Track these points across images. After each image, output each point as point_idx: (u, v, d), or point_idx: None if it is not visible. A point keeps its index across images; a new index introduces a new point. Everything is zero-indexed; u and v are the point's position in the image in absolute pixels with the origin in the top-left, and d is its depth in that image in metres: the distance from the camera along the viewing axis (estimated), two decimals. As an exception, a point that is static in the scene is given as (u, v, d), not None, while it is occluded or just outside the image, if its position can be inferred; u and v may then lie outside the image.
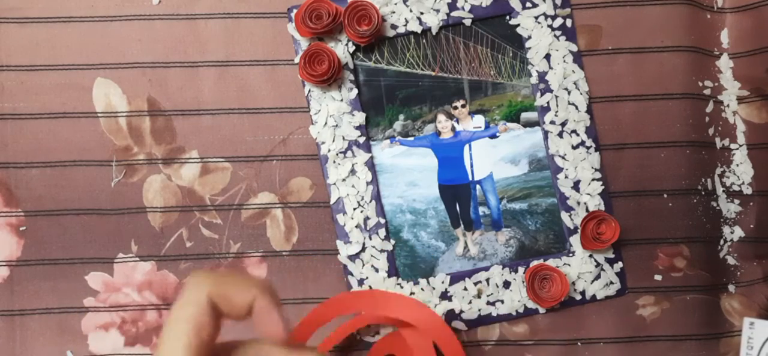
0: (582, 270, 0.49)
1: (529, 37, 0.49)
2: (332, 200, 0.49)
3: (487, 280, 0.49)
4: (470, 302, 0.48)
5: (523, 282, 0.49)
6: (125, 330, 0.49)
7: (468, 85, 0.50)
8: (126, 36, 0.49)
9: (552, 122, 0.49)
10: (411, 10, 0.49)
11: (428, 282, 0.49)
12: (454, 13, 0.49)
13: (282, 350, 0.30)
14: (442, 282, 0.49)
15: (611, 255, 0.49)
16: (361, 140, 0.48)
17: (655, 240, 0.50)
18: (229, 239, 0.49)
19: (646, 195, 0.50)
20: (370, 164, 0.49)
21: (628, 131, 0.50)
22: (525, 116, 0.50)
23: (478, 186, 0.50)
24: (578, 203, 0.49)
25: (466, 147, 0.50)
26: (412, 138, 0.49)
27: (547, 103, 0.49)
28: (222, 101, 0.49)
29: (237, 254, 0.49)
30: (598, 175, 0.49)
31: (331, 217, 0.49)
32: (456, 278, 0.49)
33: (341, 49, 0.48)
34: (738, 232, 0.51)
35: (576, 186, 0.49)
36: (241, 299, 0.29)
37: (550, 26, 0.49)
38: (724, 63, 0.51)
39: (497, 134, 0.50)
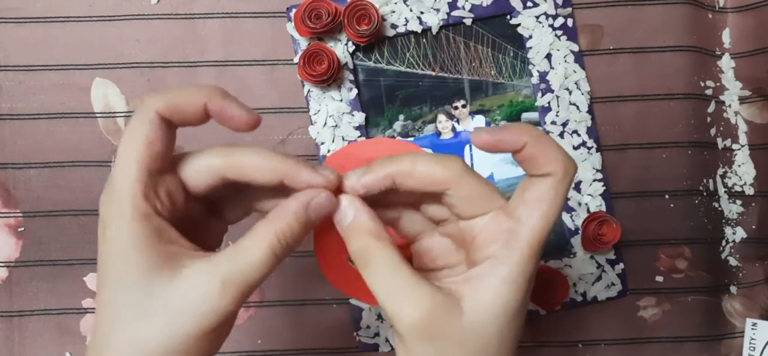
0: (583, 271, 0.49)
1: (530, 37, 0.49)
2: (332, 201, 0.48)
3: (488, 281, 0.49)
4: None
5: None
6: (124, 331, 0.49)
7: (468, 86, 0.49)
8: (124, 36, 0.48)
9: (553, 123, 0.49)
10: (411, 10, 0.48)
11: (428, 283, 0.48)
12: (455, 13, 0.49)
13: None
14: (443, 283, 0.48)
15: (612, 256, 0.49)
16: (361, 140, 0.48)
17: (656, 241, 0.50)
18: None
19: (648, 196, 0.50)
20: (370, 165, 0.48)
21: (629, 132, 0.50)
22: (526, 116, 0.50)
23: (478, 187, 0.49)
24: (579, 204, 0.49)
25: (467, 148, 0.49)
26: (412, 138, 0.49)
27: (548, 103, 0.49)
28: (221, 101, 0.48)
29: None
30: (599, 176, 0.49)
31: (330, 218, 0.49)
32: (456, 279, 0.48)
33: (341, 48, 0.48)
34: (740, 233, 0.51)
35: (577, 187, 0.49)
36: (192, 104, 0.27)
37: (551, 26, 0.49)
38: (726, 63, 0.51)
39: (498, 135, 0.49)
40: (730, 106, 0.51)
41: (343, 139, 0.48)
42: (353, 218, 0.29)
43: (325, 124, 0.48)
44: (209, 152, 0.29)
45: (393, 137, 0.49)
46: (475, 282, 0.27)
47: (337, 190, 0.29)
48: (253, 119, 0.28)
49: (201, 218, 0.30)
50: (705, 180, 0.50)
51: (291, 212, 0.28)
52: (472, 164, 0.49)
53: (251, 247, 0.27)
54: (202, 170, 0.28)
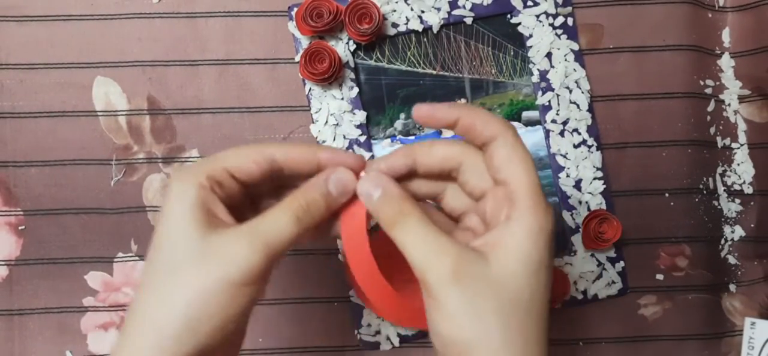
0: (584, 269, 0.49)
1: (531, 36, 0.49)
2: (333, 200, 0.48)
3: (489, 279, 0.49)
4: (471, 301, 0.48)
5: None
6: (125, 329, 0.49)
7: (469, 84, 0.50)
8: (126, 34, 0.48)
9: (553, 121, 0.49)
10: (412, 9, 0.48)
11: (429, 282, 0.48)
12: (456, 12, 0.49)
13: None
14: (444, 282, 0.48)
15: (613, 255, 0.49)
16: (362, 138, 0.48)
17: (656, 240, 0.50)
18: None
19: (648, 194, 0.50)
20: (371, 163, 0.48)
21: (629, 130, 0.50)
22: (526, 114, 0.50)
23: (479, 185, 0.49)
24: (580, 203, 0.49)
25: (468, 146, 0.49)
26: (413, 137, 0.49)
27: (549, 102, 0.49)
28: (222, 99, 0.49)
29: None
30: (599, 174, 0.49)
31: (331, 216, 0.49)
32: (457, 277, 0.48)
33: (342, 47, 0.48)
34: (739, 231, 0.51)
35: (577, 185, 0.49)
36: (307, 162, 0.33)
37: (551, 25, 0.49)
38: (726, 62, 0.51)
39: (498, 133, 0.50)
40: (729, 105, 0.51)
41: (344, 137, 0.48)
42: (383, 189, 0.32)
43: (327, 122, 0.48)
44: (263, 144, 0.33)
45: (394, 135, 0.49)
46: (495, 241, 0.30)
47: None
48: (361, 159, 0.33)
49: (246, 209, 0.34)
50: (705, 179, 0.51)
51: (314, 185, 0.32)
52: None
53: (277, 212, 0.31)
54: (258, 156, 0.32)
